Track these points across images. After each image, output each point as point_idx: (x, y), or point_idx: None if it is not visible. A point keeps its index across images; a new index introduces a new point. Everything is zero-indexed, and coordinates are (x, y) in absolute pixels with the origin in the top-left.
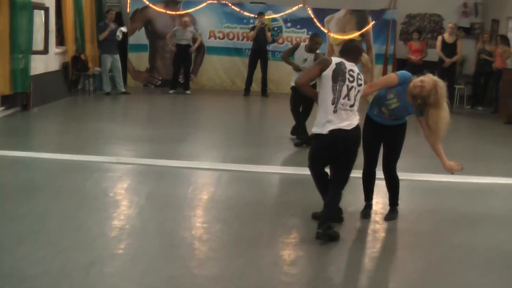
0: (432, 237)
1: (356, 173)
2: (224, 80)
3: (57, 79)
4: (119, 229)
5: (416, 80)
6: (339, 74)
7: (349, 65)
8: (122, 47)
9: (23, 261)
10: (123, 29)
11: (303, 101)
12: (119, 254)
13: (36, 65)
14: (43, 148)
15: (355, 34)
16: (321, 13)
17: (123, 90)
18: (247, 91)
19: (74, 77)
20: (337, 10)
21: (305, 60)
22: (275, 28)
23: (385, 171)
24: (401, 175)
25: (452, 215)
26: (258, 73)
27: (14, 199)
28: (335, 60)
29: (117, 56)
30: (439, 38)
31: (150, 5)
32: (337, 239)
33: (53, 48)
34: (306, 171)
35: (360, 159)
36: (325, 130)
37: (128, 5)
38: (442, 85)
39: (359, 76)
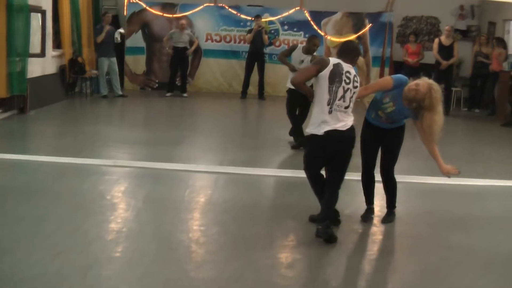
0: (429, 239)
1: (353, 176)
2: (221, 83)
3: (54, 82)
4: (116, 232)
5: (411, 84)
6: (336, 75)
7: (346, 66)
8: (119, 50)
9: (20, 263)
10: (121, 30)
11: (299, 104)
12: (116, 257)
13: (33, 68)
14: (40, 151)
15: (352, 37)
16: (318, 16)
17: (120, 93)
18: (244, 93)
19: (71, 80)
20: (334, 12)
21: (302, 61)
22: (272, 31)
23: (382, 173)
24: (398, 178)
25: (449, 217)
26: (255, 76)
27: (12, 202)
28: (333, 61)
29: (114, 59)
30: (436, 40)
31: (147, 8)
32: (335, 241)
33: (50, 51)
34: (303, 174)
35: (356, 161)
36: (320, 131)
37: (125, 8)
38: (437, 88)
39: (355, 78)
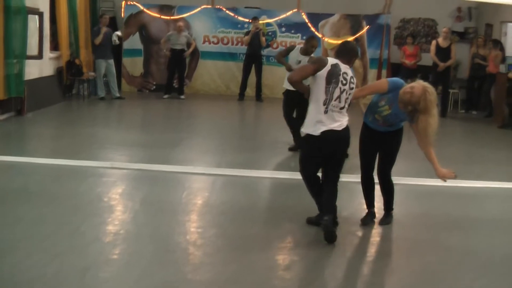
0: (427, 241)
1: (351, 178)
2: (219, 85)
3: (52, 84)
4: (114, 234)
5: (406, 87)
6: (333, 76)
7: (343, 67)
8: (117, 52)
9: (18, 265)
10: (118, 33)
11: (296, 106)
12: (114, 259)
13: (30, 70)
14: (38, 153)
15: (349, 39)
16: (316, 18)
17: (118, 95)
18: (241, 95)
19: (68, 82)
20: (332, 14)
21: (299, 62)
22: (270, 33)
23: (380, 176)
24: (395, 180)
25: (447, 219)
26: (252, 78)
27: (9, 204)
28: (331, 61)
29: (112, 61)
30: (433, 42)
31: (145, 10)
32: (334, 240)
33: (47, 53)
34: (300, 176)
35: (353, 162)
36: (316, 131)
37: (122, 10)
38: (431, 91)
39: (352, 80)
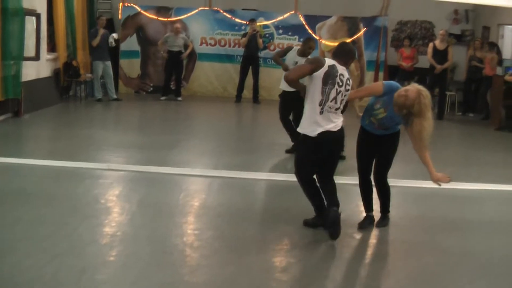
0: (424, 243)
1: (348, 180)
2: (216, 86)
3: (49, 86)
4: (111, 236)
5: (401, 90)
6: (329, 77)
7: (340, 69)
8: (114, 54)
9: (15, 267)
10: (115, 35)
11: (292, 107)
12: (111, 261)
13: (27, 72)
14: (35, 154)
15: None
16: (313, 20)
17: (115, 96)
18: (238, 97)
19: (65, 84)
20: (329, 17)
21: (296, 63)
22: (267, 35)
23: (375, 179)
24: (392, 182)
25: (443, 221)
26: (249, 79)
27: (6, 205)
28: (328, 62)
29: (109, 63)
30: (430, 44)
31: (142, 11)
32: (337, 236)
33: (44, 55)
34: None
35: (350, 164)
36: (313, 132)
37: (119, 12)
38: (426, 94)
39: (348, 82)
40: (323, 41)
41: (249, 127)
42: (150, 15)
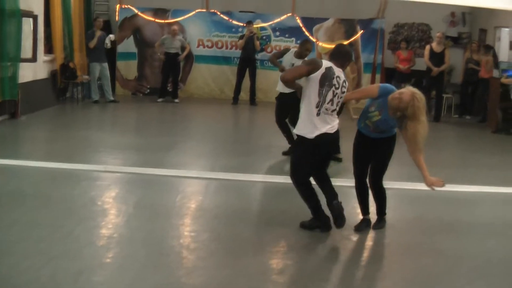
0: (419, 246)
1: (345, 182)
2: (213, 88)
3: (46, 87)
4: (107, 238)
5: (395, 93)
6: (326, 79)
7: (337, 71)
8: (111, 55)
9: (12, 269)
10: (112, 36)
11: (289, 110)
12: (107, 263)
13: (24, 73)
14: (31, 156)
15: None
16: (310, 22)
17: (112, 98)
18: (235, 99)
19: (62, 85)
20: (326, 19)
21: (292, 65)
22: (264, 37)
23: (371, 182)
24: (389, 184)
25: (439, 223)
26: (246, 81)
27: (2, 207)
28: (325, 64)
29: (106, 65)
30: (427, 47)
31: (139, 13)
32: (343, 224)
33: (41, 56)
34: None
35: (347, 165)
36: (310, 134)
37: (116, 13)
38: (420, 97)
39: (344, 84)
40: (320, 43)
41: (246, 129)
42: (147, 17)
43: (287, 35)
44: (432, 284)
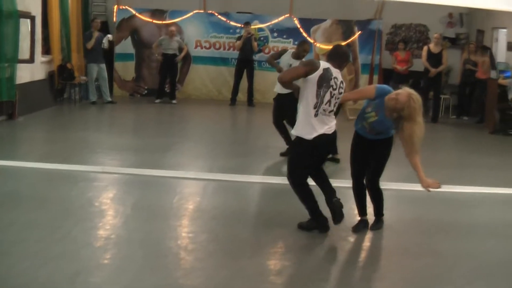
0: (417, 246)
1: (342, 183)
2: (210, 89)
3: (43, 88)
4: (105, 239)
5: (391, 94)
6: (324, 80)
7: (334, 72)
8: (108, 56)
9: (8, 271)
10: (109, 36)
11: (287, 112)
12: (105, 264)
13: (22, 74)
14: (29, 157)
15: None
16: (308, 23)
17: (109, 99)
18: (233, 100)
19: (60, 86)
20: (324, 20)
21: (290, 65)
22: (262, 38)
23: (367, 183)
24: (386, 185)
25: (437, 224)
26: (244, 82)
27: (1, 208)
28: (323, 65)
29: (103, 65)
30: (425, 48)
31: (137, 14)
32: (342, 218)
33: (39, 57)
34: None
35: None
36: (309, 135)
37: (114, 14)
38: (416, 98)
39: (341, 85)
40: (318, 45)
41: (244, 130)
42: (145, 18)
43: (284, 36)
44: (431, 285)
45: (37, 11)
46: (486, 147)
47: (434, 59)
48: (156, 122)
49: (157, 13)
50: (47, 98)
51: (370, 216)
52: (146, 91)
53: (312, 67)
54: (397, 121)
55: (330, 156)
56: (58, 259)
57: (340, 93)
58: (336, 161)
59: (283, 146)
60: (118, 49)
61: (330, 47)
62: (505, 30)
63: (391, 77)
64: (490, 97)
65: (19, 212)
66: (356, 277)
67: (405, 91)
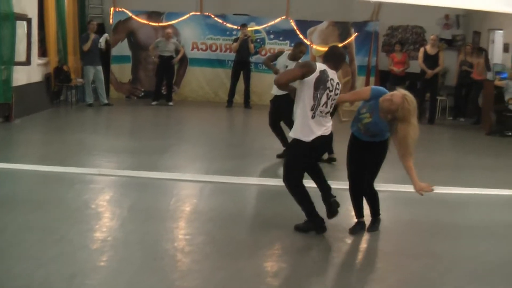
0: (414, 248)
1: (339, 184)
2: (207, 91)
3: (40, 90)
4: (101, 241)
5: (386, 95)
6: (321, 82)
7: (331, 73)
8: (105, 58)
9: (4, 274)
10: (106, 35)
11: (283, 114)
12: (101, 266)
13: (18, 76)
14: (25, 159)
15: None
16: (304, 25)
17: (106, 101)
18: (229, 102)
19: (56, 89)
20: (320, 22)
21: (286, 67)
22: (258, 40)
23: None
24: (383, 187)
25: (434, 226)
26: (240, 84)
27: None
28: (320, 67)
29: (100, 68)
30: (421, 49)
31: (133, 16)
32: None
33: (35, 59)
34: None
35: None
36: (306, 137)
37: (111, 17)
38: (410, 100)
39: (338, 86)
40: (315, 46)
41: (240, 132)
42: (141, 20)
43: (281, 38)
44: (428, 287)
45: (33, 13)
46: (483, 149)
47: (431, 60)
48: (152, 124)
49: (154, 15)
50: (44, 100)
51: (367, 218)
52: (142, 93)
53: (308, 69)
54: (391, 123)
55: (327, 157)
56: (55, 261)
57: (336, 95)
58: (333, 160)
59: (279, 148)
60: (114, 51)
61: (327, 49)
62: (501, 31)
63: (387, 79)
64: (486, 99)
65: (15, 214)
66: (353, 278)
67: (399, 93)
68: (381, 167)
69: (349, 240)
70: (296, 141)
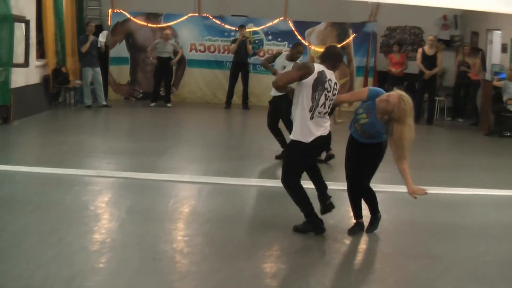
0: (413, 249)
1: (338, 185)
2: (205, 93)
3: (38, 92)
4: (100, 243)
5: (383, 95)
6: (319, 84)
7: (329, 74)
8: (103, 60)
9: (2, 276)
10: (105, 32)
11: (282, 115)
12: (100, 268)
13: (16, 78)
14: (23, 161)
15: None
16: (302, 26)
17: (104, 103)
18: (228, 103)
19: (54, 90)
20: (318, 23)
21: (284, 67)
22: (256, 41)
23: None
24: (381, 187)
25: (432, 227)
26: (239, 86)
27: None
28: (317, 68)
29: (98, 69)
30: (419, 50)
31: (131, 18)
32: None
33: (33, 61)
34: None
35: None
36: (306, 139)
37: (109, 18)
38: (407, 100)
39: (335, 87)
40: (313, 47)
41: (239, 133)
42: (140, 22)
43: (279, 39)
44: (427, 287)
45: (31, 15)
46: (481, 149)
47: (429, 61)
48: (151, 125)
49: (152, 16)
50: (42, 102)
51: (366, 219)
52: (141, 95)
53: (306, 71)
54: (387, 125)
55: (326, 155)
56: (53, 263)
57: (334, 95)
58: (332, 157)
59: (278, 149)
60: (112, 52)
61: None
62: (499, 32)
63: (385, 79)
64: (485, 99)
65: (14, 216)
66: (352, 279)
67: (396, 93)
68: (380, 168)
69: (347, 241)
70: (295, 142)
